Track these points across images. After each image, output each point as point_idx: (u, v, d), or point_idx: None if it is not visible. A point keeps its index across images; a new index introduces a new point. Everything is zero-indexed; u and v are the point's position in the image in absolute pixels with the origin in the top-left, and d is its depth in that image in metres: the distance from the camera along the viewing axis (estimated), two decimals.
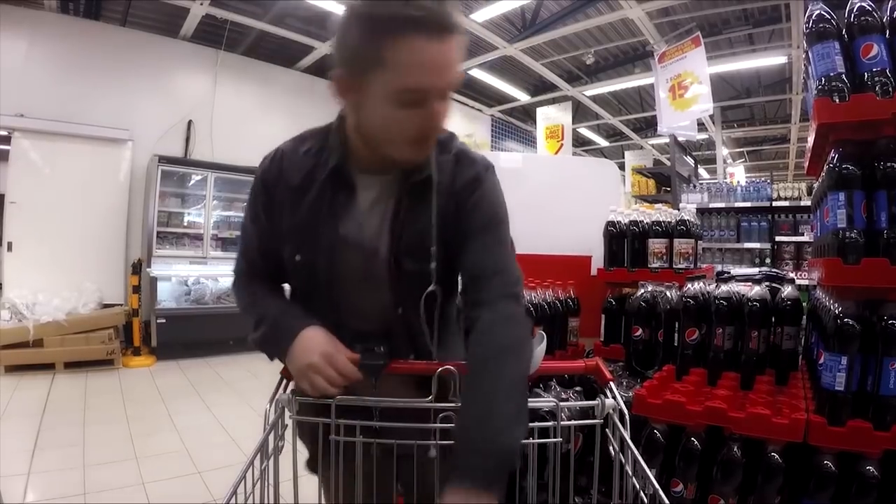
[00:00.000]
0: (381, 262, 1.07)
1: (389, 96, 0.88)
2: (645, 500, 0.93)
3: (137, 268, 6.21)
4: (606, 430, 1.04)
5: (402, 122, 0.92)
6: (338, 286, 1.10)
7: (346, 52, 0.93)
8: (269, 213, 1.10)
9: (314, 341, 1.00)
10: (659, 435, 1.47)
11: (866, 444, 1.22)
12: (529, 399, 0.95)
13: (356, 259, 1.08)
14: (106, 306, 6.11)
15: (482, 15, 6.70)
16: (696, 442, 1.41)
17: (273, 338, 1.06)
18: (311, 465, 1.19)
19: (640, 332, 1.90)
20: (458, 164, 1.10)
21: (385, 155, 0.99)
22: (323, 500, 1.18)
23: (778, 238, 5.69)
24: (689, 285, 1.73)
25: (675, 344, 1.75)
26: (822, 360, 1.31)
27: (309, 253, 1.07)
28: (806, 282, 3.81)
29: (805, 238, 5.44)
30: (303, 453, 1.11)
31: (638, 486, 0.95)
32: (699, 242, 2.11)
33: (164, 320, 6.17)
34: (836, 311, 1.27)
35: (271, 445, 1.01)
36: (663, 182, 7.42)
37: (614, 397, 1.02)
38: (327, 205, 1.06)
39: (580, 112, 10.63)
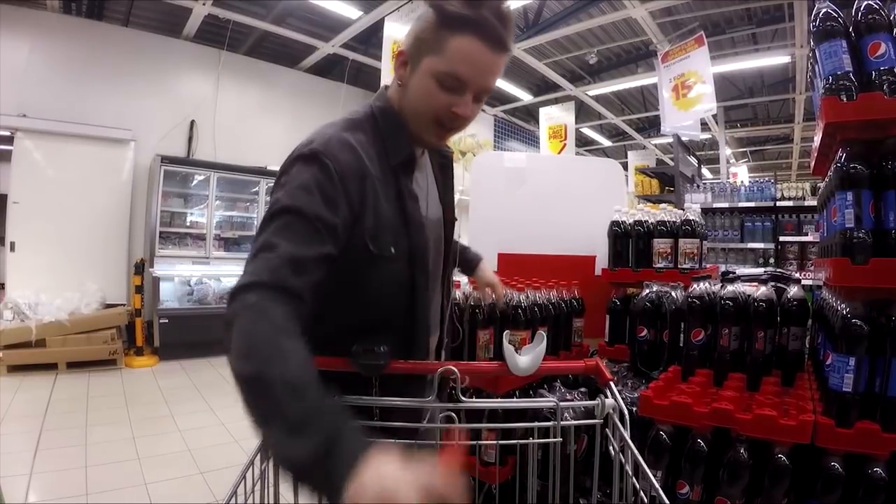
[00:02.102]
0: (440, 227, 1.23)
1: (434, 75, 1.01)
2: (645, 500, 0.92)
3: (140, 268, 6.23)
4: (607, 430, 1.03)
5: (436, 99, 1.03)
6: (426, 267, 1.13)
7: (415, 34, 1.05)
8: (359, 205, 1.00)
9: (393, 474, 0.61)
10: (665, 436, 1.46)
11: (874, 445, 1.21)
12: (531, 399, 0.96)
13: (433, 233, 1.18)
14: (108, 306, 6.12)
15: None
16: (702, 443, 1.40)
17: (331, 459, 0.65)
18: None
19: (645, 332, 1.89)
20: None
21: (412, 131, 1.10)
22: (325, 500, 1.17)
23: (782, 238, 5.68)
24: (695, 285, 1.72)
25: (681, 344, 1.74)
26: (829, 361, 1.30)
27: (403, 240, 1.07)
28: (810, 282, 3.80)
29: (809, 238, 5.42)
30: None
31: (638, 487, 0.94)
32: (704, 242, 2.09)
33: (166, 320, 6.17)
34: (844, 312, 1.25)
35: None
36: (667, 182, 7.40)
37: (614, 397, 1.01)
38: (408, 190, 1.10)
39: (583, 112, 10.62)
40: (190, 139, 7.25)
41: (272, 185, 1.03)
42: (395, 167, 1.08)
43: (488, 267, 1.65)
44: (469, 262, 1.64)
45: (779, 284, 1.70)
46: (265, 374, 0.71)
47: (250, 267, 0.86)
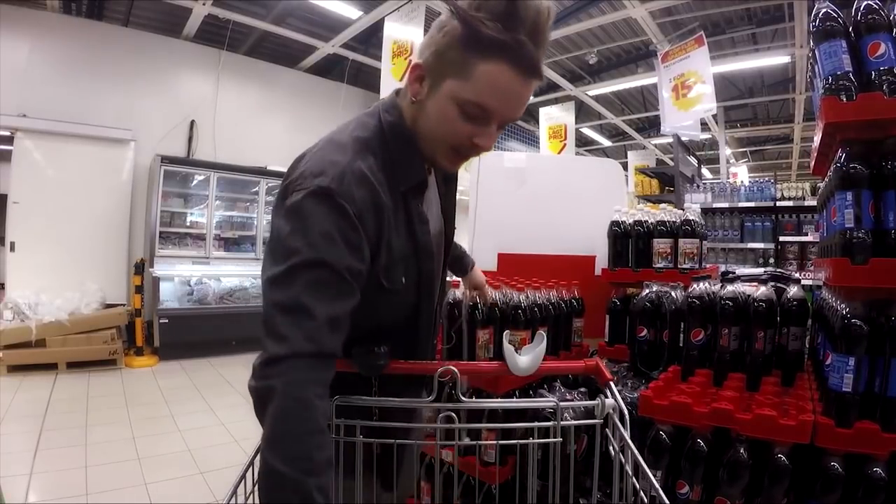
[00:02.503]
0: (441, 238, 1.19)
1: (457, 102, 0.92)
2: (645, 500, 0.92)
3: (140, 268, 6.23)
4: (607, 430, 1.03)
5: (456, 128, 0.95)
6: (433, 293, 1.12)
7: (437, 49, 0.93)
8: (375, 242, 0.95)
9: None
10: (664, 436, 1.46)
11: (874, 445, 1.21)
12: (531, 399, 0.97)
13: (439, 251, 1.15)
14: (108, 306, 6.12)
15: None
16: (702, 443, 1.40)
17: None
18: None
19: (644, 332, 1.88)
20: None
21: (424, 152, 1.02)
22: None
23: (782, 238, 5.68)
24: (695, 285, 1.72)
25: (681, 344, 1.74)
26: (829, 361, 1.30)
27: (413, 269, 1.03)
28: (810, 282, 3.80)
29: (809, 238, 5.42)
30: None
31: (638, 487, 0.94)
32: (704, 242, 2.09)
33: (166, 320, 6.18)
34: (844, 312, 1.25)
35: None
36: (667, 182, 7.40)
37: (614, 397, 1.01)
38: (417, 216, 1.04)
39: (583, 112, 10.62)
40: (190, 139, 7.25)
41: (274, 189, 1.01)
42: (406, 192, 1.02)
43: (479, 271, 1.68)
44: (463, 265, 1.64)
45: (779, 284, 1.70)
46: (292, 479, 0.76)
47: (284, 329, 0.82)
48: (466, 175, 3.15)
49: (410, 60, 5.84)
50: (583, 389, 1.86)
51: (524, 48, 0.87)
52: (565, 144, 9.38)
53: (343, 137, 0.98)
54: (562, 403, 1.06)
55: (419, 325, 1.10)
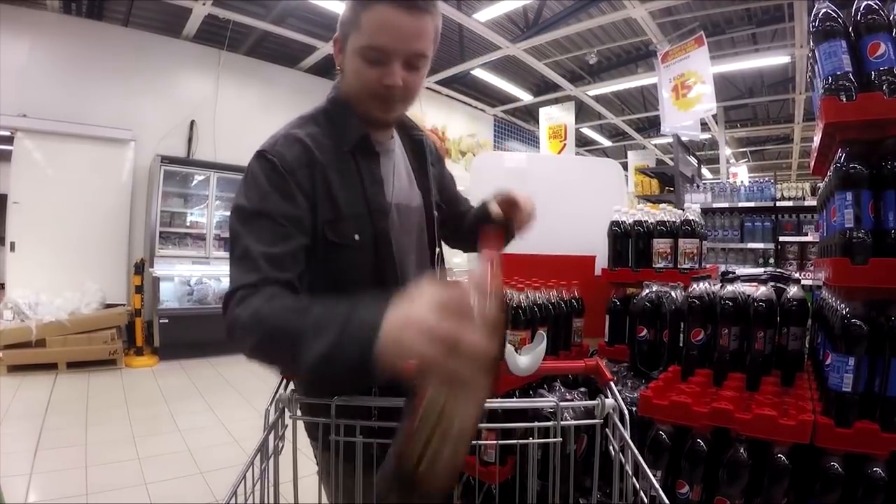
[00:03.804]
0: (420, 215, 1.24)
1: (358, 52, 1.04)
2: (645, 500, 0.92)
3: (140, 268, 6.23)
4: (607, 430, 1.03)
5: (366, 76, 1.05)
6: (392, 255, 1.13)
7: (341, 19, 1.10)
8: (311, 194, 1.03)
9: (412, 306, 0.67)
10: (664, 436, 1.46)
11: (873, 445, 1.21)
12: (531, 399, 0.96)
13: (408, 219, 1.20)
14: (108, 306, 6.13)
15: (485, 15, 6.70)
16: (701, 443, 1.40)
17: (350, 338, 0.72)
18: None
19: (644, 332, 1.88)
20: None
21: (359, 111, 1.12)
22: (324, 500, 1.17)
23: (781, 238, 5.68)
24: (695, 285, 1.72)
25: (681, 344, 1.74)
26: (828, 361, 1.30)
27: (367, 227, 1.09)
28: (810, 282, 3.80)
29: (809, 238, 5.42)
30: (303, 452, 1.10)
31: (638, 487, 0.94)
32: (704, 242, 2.09)
33: (166, 320, 6.18)
34: (844, 312, 1.25)
35: (271, 446, 1.00)
36: (667, 182, 7.40)
37: (614, 397, 1.01)
38: (368, 175, 1.12)
39: (583, 112, 10.62)
40: (190, 139, 7.25)
41: None
42: (353, 152, 1.11)
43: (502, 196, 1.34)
44: (485, 211, 1.35)
45: (779, 284, 1.70)
46: (278, 328, 0.82)
47: (234, 274, 0.93)
48: (466, 175, 3.15)
49: None
50: (583, 389, 1.86)
51: None
52: (565, 144, 9.39)
53: (291, 121, 1.16)
54: (562, 403, 1.06)
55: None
